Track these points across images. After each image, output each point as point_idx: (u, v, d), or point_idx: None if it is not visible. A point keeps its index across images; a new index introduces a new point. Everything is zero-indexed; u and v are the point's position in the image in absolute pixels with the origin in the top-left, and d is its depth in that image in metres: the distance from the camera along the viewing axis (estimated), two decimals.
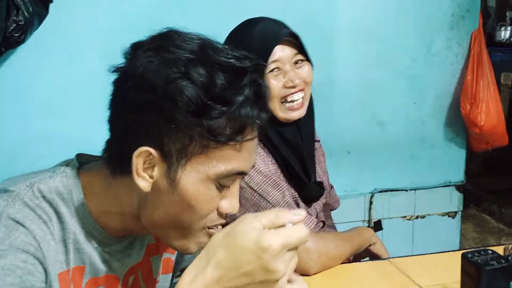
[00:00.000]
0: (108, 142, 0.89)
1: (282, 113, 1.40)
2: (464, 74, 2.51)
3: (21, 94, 1.99)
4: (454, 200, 2.64)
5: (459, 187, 2.64)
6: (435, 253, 1.49)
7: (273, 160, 1.44)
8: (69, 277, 0.87)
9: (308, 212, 1.46)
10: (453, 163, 2.60)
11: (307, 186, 1.48)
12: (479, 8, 2.53)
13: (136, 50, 0.84)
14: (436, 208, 2.63)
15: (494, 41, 4.11)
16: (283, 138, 1.44)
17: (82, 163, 0.95)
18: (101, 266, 0.91)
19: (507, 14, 4.46)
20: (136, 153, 0.80)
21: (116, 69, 0.86)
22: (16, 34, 1.80)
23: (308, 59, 1.44)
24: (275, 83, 1.38)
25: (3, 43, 1.79)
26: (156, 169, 0.81)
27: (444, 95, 2.54)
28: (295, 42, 1.40)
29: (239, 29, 1.46)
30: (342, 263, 1.43)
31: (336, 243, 1.43)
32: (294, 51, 1.40)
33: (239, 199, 1.31)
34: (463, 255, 1.16)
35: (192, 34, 0.85)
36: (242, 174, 0.85)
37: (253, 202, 1.36)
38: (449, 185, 2.61)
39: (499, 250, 1.16)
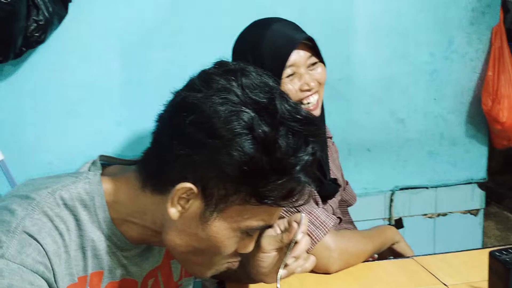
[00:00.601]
0: (148, 154, 0.90)
1: None
2: (485, 70, 2.46)
3: (40, 93, 2.00)
4: (476, 198, 2.60)
5: (481, 185, 2.60)
6: (461, 251, 1.46)
7: None
8: (87, 283, 0.88)
9: (325, 209, 1.46)
10: (474, 160, 2.56)
11: (322, 184, 1.47)
12: (499, 3, 2.48)
13: (206, 83, 0.83)
14: (457, 206, 2.59)
15: None
16: None
17: (104, 165, 0.95)
18: (119, 270, 0.92)
19: None
20: (179, 186, 0.81)
21: (178, 94, 0.86)
22: (36, 34, 1.81)
23: (321, 60, 1.43)
24: (290, 87, 1.38)
25: (24, 42, 1.80)
26: (190, 203, 0.83)
27: (464, 91, 2.49)
28: (310, 44, 1.40)
29: (250, 30, 1.45)
30: (365, 262, 1.42)
31: (357, 240, 1.42)
32: (308, 53, 1.40)
33: None
34: (490, 254, 1.14)
35: (263, 76, 0.85)
36: (269, 227, 0.90)
37: None
38: (470, 183, 2.57)
39: None
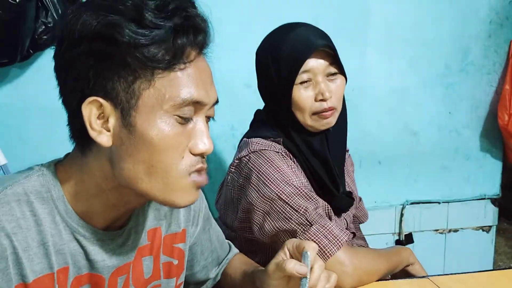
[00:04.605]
0: (68, 123, 0.86)
1: (311, 122, 1.37)
2: (502, 84, 2.41)
3: (46, 97, 1.93)
4: (488, 214, 2.55)
5: (494, 201, 2.55)
6: (478, 271, 1.41)
7: (303, 174, 1.40)
8: (54, 281, 0.84)
9: (338, 223, 1.41)
10: (488, 176, 2.51)
11: (336, 197, 1.43)
12: None
13: (62, 18, 0.85)
14: (469, 222, 2.53)
15: None
16: (311, 148, 1.41)
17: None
18: (84, 264, 0.88)
19: None
20: (83, 105, 0.79)
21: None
22: (44, 36, 1.77)
23: (341, 72, 1.39)
24: (306, 94, 1.35)
25: (31, 45, 1.76)
26: (110, 119, 0.80)
27: (480, 105, 2.45)
28: (330, 53, 1.35)
29: (275, 32, 1.42)
30: (379, 280, 1.36)
31: (372, 258, 1.36)
32: (328, 62, 1.35)
33: (271, 213, 1.27)
34: None
35: None
36: (199, 104, 0.82)
37: (283, 215, 1.31)
38: (484, 198, 2.52)
39: None
